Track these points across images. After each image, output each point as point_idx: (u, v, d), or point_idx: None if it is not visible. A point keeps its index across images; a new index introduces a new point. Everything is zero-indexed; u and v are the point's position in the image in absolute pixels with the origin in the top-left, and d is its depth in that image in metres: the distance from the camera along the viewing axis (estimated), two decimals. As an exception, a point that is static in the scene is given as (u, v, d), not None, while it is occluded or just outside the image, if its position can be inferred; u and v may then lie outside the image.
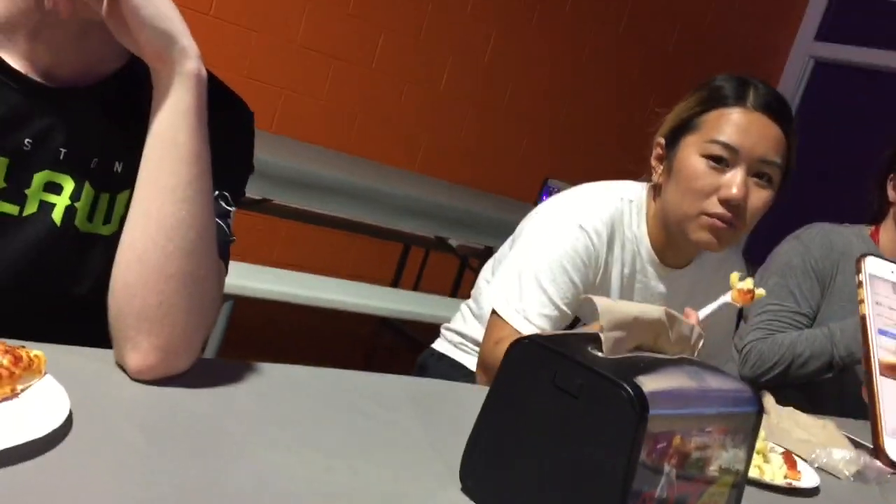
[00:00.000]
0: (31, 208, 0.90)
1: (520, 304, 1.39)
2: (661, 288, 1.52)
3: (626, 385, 0.69)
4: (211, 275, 0.87)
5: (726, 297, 1.28)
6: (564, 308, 1.40)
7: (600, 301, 0.76)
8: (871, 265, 0.59)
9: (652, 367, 0.75)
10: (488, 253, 3.94)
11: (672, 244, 1.47)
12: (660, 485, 0.73)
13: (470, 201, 3.65)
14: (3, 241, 0.89)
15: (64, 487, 0.60)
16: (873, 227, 2.02)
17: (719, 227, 1.38)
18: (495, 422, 0.77)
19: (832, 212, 2.19)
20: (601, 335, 0.75)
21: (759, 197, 1.38)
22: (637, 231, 1.47)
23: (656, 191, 1.47)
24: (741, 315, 1.97)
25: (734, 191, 1.35)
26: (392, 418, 0.93)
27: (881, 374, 0.56)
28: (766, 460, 1.11)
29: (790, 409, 1.42)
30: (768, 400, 1.48)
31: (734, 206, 1.36)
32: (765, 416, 1.39)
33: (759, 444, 1.11)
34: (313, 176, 2.89)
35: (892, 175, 1.96)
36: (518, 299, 1.39)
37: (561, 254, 1.40)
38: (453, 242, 3.92)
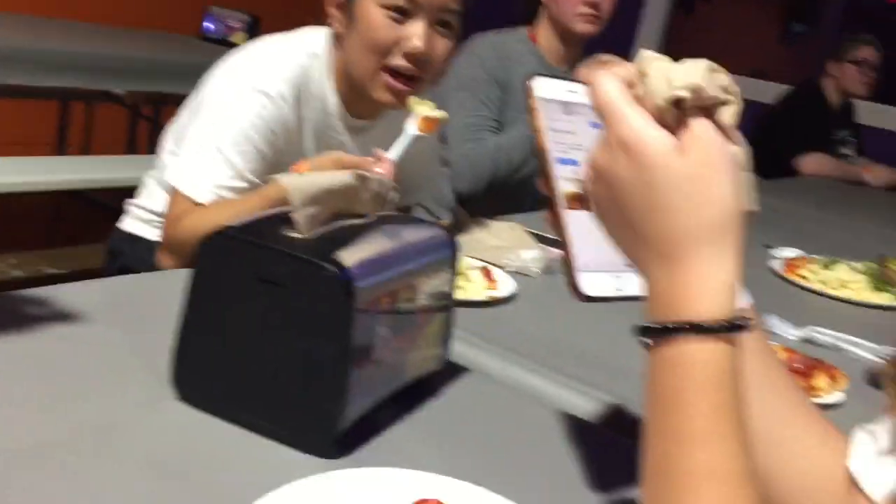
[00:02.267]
0: None
1: (204, 178, 1.31)
2: (353, 142, 1.48)
3: (328, 264, 0.68)
4: None
5: (412, 130, 1.28)
6: (254, 179, 1.33)
7: (286, 179, 0.73)
8: (542, 87, 0.59)
9: (350, 236, 0.75)
10: (160, 98, 3.66)
11: (359, 97, 1.42)
12: (377, 347, 0.75)
13: (127, 43, 3.31)
14: None
15: None
16: (530, 29, 2.13)
17: (401, 89, 1.33)
18: (200, 323, 0.73)
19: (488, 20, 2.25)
20: (294, 214, 0.72)
21: (443, 46, 1.35)
22: (324, 86, 1.41)
23: (339, 40, 1.40)
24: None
25: (417, 42, 1.30)
26: (91, 334, 0.86)
27: (568, 207, 0.58)
28: (468, 279, 1.19)
29: (480, 218, 1.52)
30: (460, 212, 1.57)
31: (418, 59, 1.32)
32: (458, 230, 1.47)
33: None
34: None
35: None
36: (201, 173, 1.31)
37: (246, 123, 1.31)
38: (119, 92, 3.58)
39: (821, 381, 1.06)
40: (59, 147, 3.69)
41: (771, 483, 0.66)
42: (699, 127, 0.52)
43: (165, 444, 0.70)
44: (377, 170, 1.00)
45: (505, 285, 1.23)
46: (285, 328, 0.70)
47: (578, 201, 0.59)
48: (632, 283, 0.60)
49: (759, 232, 1.92)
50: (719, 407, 0.49)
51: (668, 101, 0.52)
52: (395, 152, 1.23)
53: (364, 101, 1.41)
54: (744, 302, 0.66)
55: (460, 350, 0.99)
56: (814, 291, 1.53)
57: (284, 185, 0.72)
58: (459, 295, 1.15)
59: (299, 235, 0.72)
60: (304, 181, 0.73)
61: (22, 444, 0.65)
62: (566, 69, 2.10)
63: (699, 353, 0.50)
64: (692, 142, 0.51)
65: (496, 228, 1.47)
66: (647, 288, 0.53)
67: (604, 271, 0.59)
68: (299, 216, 0.72)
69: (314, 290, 0.69)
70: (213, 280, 0.72)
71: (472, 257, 1.30)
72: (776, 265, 1.64)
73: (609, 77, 0.53)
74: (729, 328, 0.50)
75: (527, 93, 0.61)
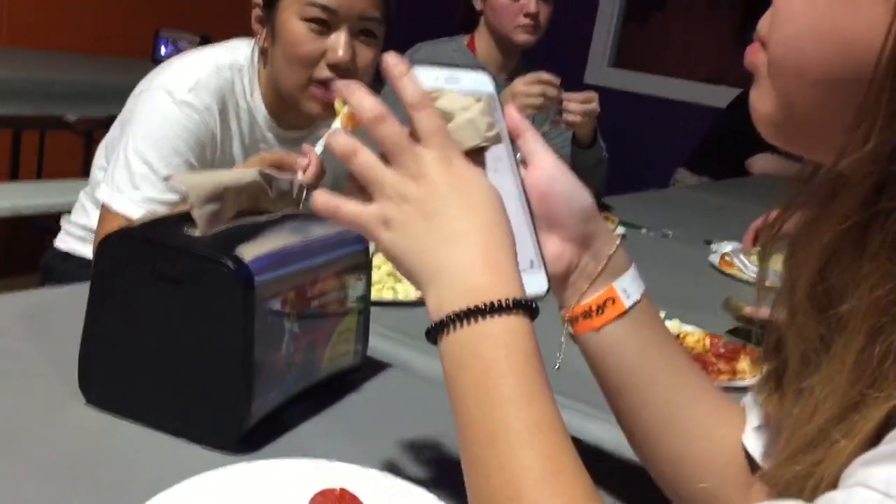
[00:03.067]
0: None
1: (134, 192, 1.30)
2: (284, 151, 1.49)
3: (226, 260, 0.69)
4: None
5: (336, 124, 1.27)
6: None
7: (184, 177, 0.74)
8: (421, 71, 0.60)
9: (252, 233, 0.75)
10: (112, 123, 3.65)
11: (289, 108, 1.42)
12: (284, 342, 0.75)
13: (78, 68, 3.30)
14: None
15: None
16: (469, 37, 2.15)
17: (330, 100, 1.34)
18: (103, 325, 0.73)
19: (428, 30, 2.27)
20: (193, 213, 0.72)
21: (367, 54, 1.36)
22: (250, 99, 1.41)
23: (265, 54, 1.40)
24: None
25: (340, 53, 1.31)
26: (6, 345, 0.85)
27: None
28: (398, 280, 1.20)
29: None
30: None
31: (342, 70, 1.33)
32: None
33: (388, 268, 1.19)
34: None
35: None
36: (131, 188, 1.31)
37: (171, 135, 1.31)
38: (71, 118, 3.56)
39: (744, 363, 1.08)
40: (13, 176, 3.66)
41: (678, 466, 0.67)
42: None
43: (73, 446, 0.70)
44: (302, 163, 1.00)
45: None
46: (186, 326, 0.70)
47: None
48: (536, 281, 0.61)
49: (702, 228, 1.95)
50: (536, 369, 0.51)
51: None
52: (320, 147, 1.23)
53: (294, 112, 1.41)
54: (638, 291, 0.67)
55: (386, 349, 1.00)
56: (746, 282, 1.56)
57: (181, 183, 0.72)
58: (390, 295, 1.16)
59: (198, 233, 0.72)
60: (202, 179, 0.73)
61: None
62: (505, 78, 2.13)
63: (505, 326, 0.52)
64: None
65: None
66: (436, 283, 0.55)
67: None
68: (198, 214, 0.72)
69: (213, 286, 0.69)
70: (112, 281, 0.73)
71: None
72: (714, 259, 1.67)
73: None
74: (523, 304, 0.53)
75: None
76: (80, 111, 3.44)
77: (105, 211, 1.32)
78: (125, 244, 0.72)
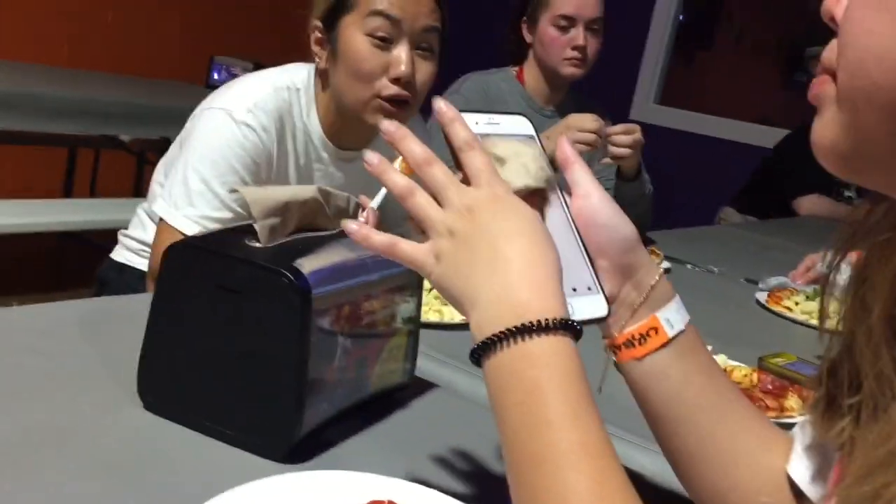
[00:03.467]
0: None
1: (190, 209, 1.34)
2: (341, 173, 1.52)
3: (284, 271, 0.71)
4: None
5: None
6: (239, 209, 1.37)
7: (247, 191, 0.76)
8: (465, 116, 0.63)
9: (311, 247, 0.77)
10: (165, 144, 3.73)
11: (347, 129, 1.46)
12: (337, 356, 0.77)
13: (133, 91, 3.39)
14: None
15: None
16: (517, 69, 2.18)
17: (394, 111, 1.38)
18: (164, 331, 0.75)
19: (480, 60, 2.30)
20: (255, 225, 0.75)
21: (426, 68, 1.40)
22: (307, 120, 1.45)
23: (323, 76, 1.44)
24: None
25: (403, 68, 1.34)
26: (64, 349, 0.88)
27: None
28: (444, 303, 1.20)
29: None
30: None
31: (406, 83, 1.37)
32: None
33: (435, 291, 1.20)
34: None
35: (524, 18, 2.11)
36: (187, 204, 1.34)
37: (229, 154, 1.35)
38: (125, 138, 3.66)
39: (792, 401, 1.06)
40: (66, 193, 3.76)
41: (723, 495, 0.66)
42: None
43: (126, 449, 0.71)
44: (361, 219, 1.02)
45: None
46: (244, 335, 0.72)
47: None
48: (596, 304, 0.62)
49: (747, 266, 1.94)
50: (580, 390, 0.51)
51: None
52: (377, 200, 1.25)
53: (352, 133, 1.45)
54: (682, 321, 0.67)
55: (432, 369, 1.00)
56: (796, 321, 1.54)
57: (245, 196, 0.74)
58: (436, 318, 1.17)
59: (259, 245, 0.74)
60: (264, 193, 0.76)
61: None
62: (552, 110, 2.14)
63: (547, 347, 0.52)
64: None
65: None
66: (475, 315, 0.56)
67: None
68: (259, 226, 0.74)
69: (270, 297, 0.71)
70: (175, 289, 0.75)
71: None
72: (761, 297, 1.65)
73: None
74: (567, 325, 0.53)
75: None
76: (133, 132, 3.54)
77: (162, 225, 1.36)
78: (189, 253, 0.74)
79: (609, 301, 0.63)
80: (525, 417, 0.51)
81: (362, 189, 1.36)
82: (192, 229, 1.33)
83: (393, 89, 1.36)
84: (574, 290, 0.61)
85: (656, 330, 0.65)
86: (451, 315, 1.19)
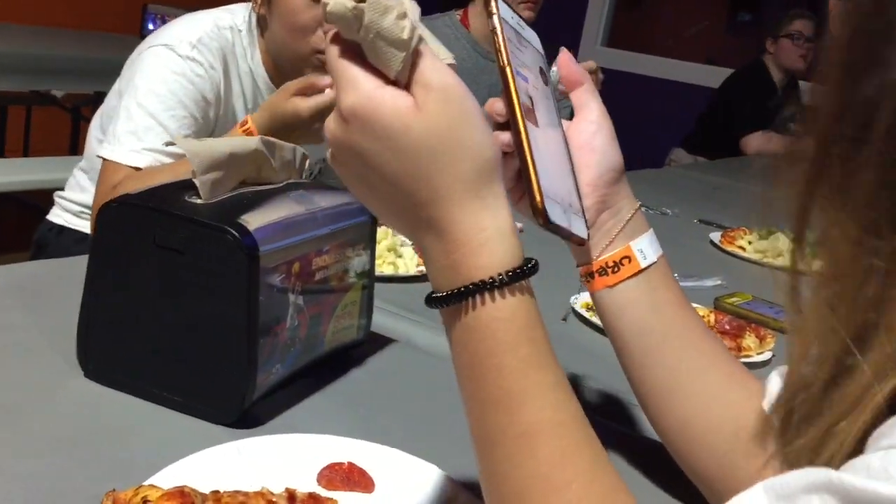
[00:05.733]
0: None
1: (137, 143, 1.28)
2: None
3: (229, 227, 0.67)
4: None
5: None
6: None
7: (187, 144, 0.71)
8: (502, 7, 0.57)
9: (256, 202, 0.73)
10: (100, 99, 3.59)
11: (289, 75, 1.41)
12: (288, 315, 0.73)
13: (65, 44, 3.25)
14: None
15: None
16: (461, 12, 2.12)
17: None
18: (103, 295, 0.71)
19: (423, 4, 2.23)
20: (195, 180, 0.70)
21: None
22: (251, 62, 1.39)
23: (261, 21, 1.38)
24: None
25: None
26: (1, 317, 0.83)
27: (528, 123, 0.55)
28: (399, 255, 1.18)
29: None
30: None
31: None
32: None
33: (388, 242, 1.17)
34: None
35: None
36: (135, 140, 1.28)
37: (176, 87, 1.29)
38: (58, 94, 3.51)
39: (749, 340, 1.06)
40: (-1, 152, 3.61)
41: (686, 429, 0.66)
42: (429, 74, 0.45)
43: (71, 420, 0.67)
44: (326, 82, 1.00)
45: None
46: (188, 296, 0.68)
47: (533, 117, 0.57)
48: (580, 225, 0.60)
49: (698, 208, 1.94)
50: (531, 360, 0.46)
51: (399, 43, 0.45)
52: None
53: (292, 77, 1.40)
54: (654, 253, 0.66)
55: (389, 323, 0.98)
56: (750, 261, 1.54)
57: (184, 149, 0.70)
58: (390, 270, 1.14)
59: (200, 201, 0.70)
60: (204, 146, 0.71)
61: None
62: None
63: (497, 312, 0.45)
64: (426, 94, 0.45)
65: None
66: (425, 259, 0.49)
67: (557, 202, 0.56)
68: (200, 181, 0.70)
69: (215, 255, 0.67)
70: (112, 250, 0.70)
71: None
72: (715, 237, 1.65)
73: (339, 40, 0.47)
74: (520, 275, 0.46)
75: (487, 9, 0.57)
76: (67, 87, 3.40)
77: (109, 164, 1.29)
78: (125, 211, 0.69)
79: (588, 227, 0.62)
80: (472, 390, 0.47)
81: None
82: (141, 162, 1.27)
83: None
84: (569, 205, 0.59)
85: (629, 259, 0.65)
86: (406, 267, 1.16)
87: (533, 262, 0.47)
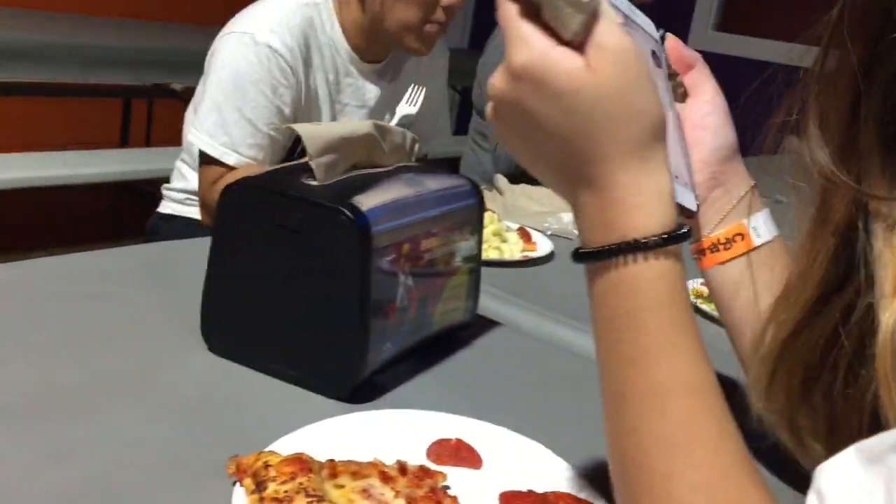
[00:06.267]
0: None
1: (225, 138, 1.34)
2: (370, 84, 1.52)
3: (343, 209, 0.69)
4: None
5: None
6: (273, 134, 1.36)
7: (303, 128, 0.74)
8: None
9: (368, 183, 0.75)
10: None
11: (374, 43, 1.45)
12: (398, 294, 0.75)
13: (182, 38, 3.39)
14: None
15: None
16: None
17: (434, 35, 1.40)
18: (224, 273, 0.75)
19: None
20: (311, 163, 0.73)
21: None
22: (332, 33, 1.43)
23: None
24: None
25: None
26: (125, 294, 0.88)
27: None
28: (504, 240, 1.18)
29: (522, 185, 1.51)
30: (501, 181, 1.56)
31: (454, 11, 1.39)
32: (499, 197, 1.46)
33: (494, 227, 1.18)
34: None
35: None
36: (223, 134, 1.34)
37: (257, 79, 1.33)
38: (177, 86, 3.67)
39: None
40: (122, 144, 3.80)
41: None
42: (605, 37, 0.45)
43: (195, 391, 0.71)
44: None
45: (543, 246, 1.22)
46: (304, 275, 0.71)
47: None
48: (689, 197, 0.60)
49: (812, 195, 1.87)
50: (671, 322, 0.46)
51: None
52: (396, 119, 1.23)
53: (378, 46, 1.45)
54: (769, 232, 0.65)
55: (493, 306, 0.99)
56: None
57: (300, 133, 0.72)
58: (495, 255, 1.15)
59: (315, 183, 0.72)
60: (319, 129, 0.73)
61: (51, 388, 0.67)
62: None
63: (645, 272, 0.46)
64: (601, 55, 0.45)
65: (538, 194, 1.46)
66: (578, 215, 0.49)
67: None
68: (316, 164, 0.72)
69: (330, 234, 0.69)
70: (232, 229, 0.74)
71: (512, 223, 1.29)
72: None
73: None
74: (671, 239, 0.46)
75: None
76: (185, 81, 3.54)
77: (204, 158, 1.37)
78: (246, 194, 0.73)
79: (698, 202, 0.62)
80: (609, 345, 0.47)
81: (396, 91, 1.37)
82: (234, 159, 1.33)
83: (442, 18, 1.37)
84: (676, 177, 0.59)
85: (742, 236, 0.65)
86: (511, 252, 1.17)
87: (687, 228, 0.47)
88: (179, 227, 1.54)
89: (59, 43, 2.76)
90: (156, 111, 3.98)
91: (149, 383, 0.71)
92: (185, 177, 1.57)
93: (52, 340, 0.76)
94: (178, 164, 1.60)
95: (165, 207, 1.61)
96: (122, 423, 0.64)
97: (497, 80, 0.48)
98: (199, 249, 0.93)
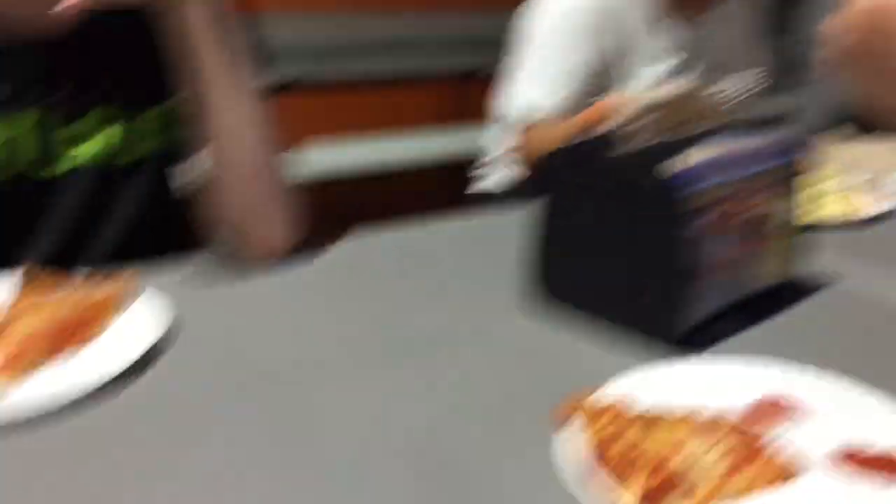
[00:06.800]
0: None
1: (541, 99, 1.37)
2: (684, 32, 1.46)
3: (659, 170, 0.71)
4: None
5: None
6: (587, 76, 1.35)
7: (619, 95, 0.77)
8: None
9: (682, 145, 0.76)
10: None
11: None
12: (721, 250, 0.76)
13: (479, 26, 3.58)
14: None
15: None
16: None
17: None
18: (551, 233, 0.80)
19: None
20: (626, 126, 0.76)
21: None
22: None
23: None
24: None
25: None
26: (450, 262, 0.98)
27: None
28: (846, 195, 1.12)
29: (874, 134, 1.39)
30: (839, 135, 1.45)
31: None
32: (841, 152, 1.36)
33: (832, 181, 1.12)
34: (338, 42, 2.90)
35: None
36: (539, 96, 1.37)
37: (572, 33, 1.35)
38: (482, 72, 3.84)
39: None
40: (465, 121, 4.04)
41: None
42: None
43: (520, 342, 0.77)
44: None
45: (879, 205, 1.13)
46: (626, 234, 0.74)
47: None
48: None
49: None
50: None
51: None
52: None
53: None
54: None
55: (832, 263, 0.94)
56: None
57: (613, 101, 0.76)
58: (827, 212, 1.09)
59: (630, 145, 0.75)
60: (632, 94, 0.76)
61: (382, 341, 0.77)
62: None
63: None
64: None
65: (880, 150, 1.35)
66: None
67: None
68: (631, 127, 0.75)
69: (648, 195, 0.72)
70: (556, 196, 0.79)
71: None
72: None
73: None
74: None
75: None
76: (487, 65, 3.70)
77: (521, 115, 1.40)
78: (564, 159, 0.78)
79: None
80: None
81: (709, 45, 1.30)
82: (545, 111, 1.36)
83: None
84: None
85: None
86: (852, 208, 1.10)
87: None
88: (491, 203, 1.63)
89: (399, 36, 3.09)
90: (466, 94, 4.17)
91: (474, 340, 0.78)
92: (495, 146, 1.65)
93: (394, 299, 0.87)
94: (489, 136, 1.69)
95: (476, 188, 1.71)
96: (451, 373, 0.71)
97: (843, 28, 0.52)
98: (513, 220, 1.00)
